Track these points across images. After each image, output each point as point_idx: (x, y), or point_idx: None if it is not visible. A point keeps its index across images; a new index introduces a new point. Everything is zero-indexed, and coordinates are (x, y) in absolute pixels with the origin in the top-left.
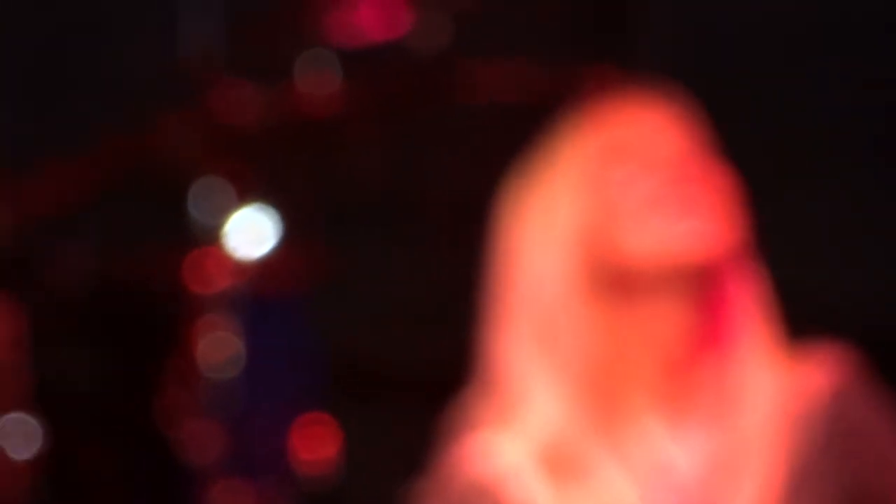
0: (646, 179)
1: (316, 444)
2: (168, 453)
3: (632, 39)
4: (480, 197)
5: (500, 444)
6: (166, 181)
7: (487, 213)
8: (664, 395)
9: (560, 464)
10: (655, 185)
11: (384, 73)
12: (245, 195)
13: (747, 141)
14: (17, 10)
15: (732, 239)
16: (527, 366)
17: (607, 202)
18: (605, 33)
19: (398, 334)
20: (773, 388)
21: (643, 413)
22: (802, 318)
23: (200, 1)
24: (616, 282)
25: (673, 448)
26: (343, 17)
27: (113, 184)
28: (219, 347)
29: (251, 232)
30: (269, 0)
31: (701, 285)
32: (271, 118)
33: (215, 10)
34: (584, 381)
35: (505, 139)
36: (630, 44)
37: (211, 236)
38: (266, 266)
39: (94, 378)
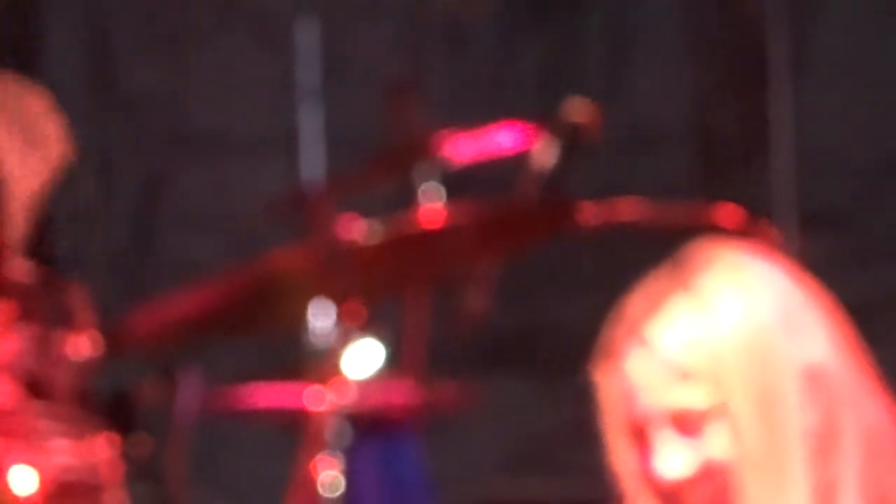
0: None
1: None
2: None
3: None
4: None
5: None
6: (281, 311)
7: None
8: None
9: None
10: None
11: (495, 205)
12: (360, 325)
13: None
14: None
15: None
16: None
17: None
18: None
19: (508, 478)
20: None
21: None
22: None
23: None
24: None
25: None
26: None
27: (231, 314)
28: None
29: (365, 359)
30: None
31: None
32: (387, 246)
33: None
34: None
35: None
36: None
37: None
38: (377, 392)
39: None
